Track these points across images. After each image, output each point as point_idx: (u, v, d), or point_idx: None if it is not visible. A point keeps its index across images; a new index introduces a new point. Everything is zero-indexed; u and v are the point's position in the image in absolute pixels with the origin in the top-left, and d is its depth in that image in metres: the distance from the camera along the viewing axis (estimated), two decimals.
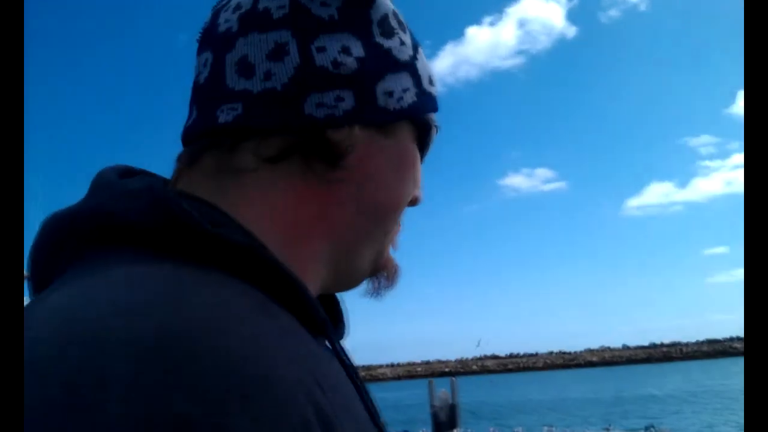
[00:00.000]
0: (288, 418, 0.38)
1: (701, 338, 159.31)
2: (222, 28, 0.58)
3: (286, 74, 0.54)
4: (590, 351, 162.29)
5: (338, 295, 0.66)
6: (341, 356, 0.53)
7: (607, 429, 15.25)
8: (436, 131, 0.66)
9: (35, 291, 0.53)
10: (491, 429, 16.90)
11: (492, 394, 63.98)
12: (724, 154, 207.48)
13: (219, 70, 0.57)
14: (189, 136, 0.60)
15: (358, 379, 0.55)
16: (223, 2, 0.61)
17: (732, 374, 70.88)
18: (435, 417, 19.44)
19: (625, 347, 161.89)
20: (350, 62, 0.55)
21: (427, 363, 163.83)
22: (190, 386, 0.36)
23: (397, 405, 52.11)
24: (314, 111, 0.54)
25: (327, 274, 0.59)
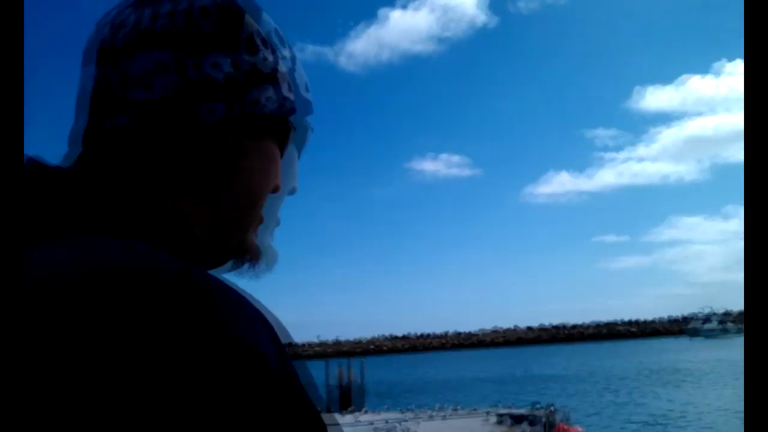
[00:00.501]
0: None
1: (591, 321, 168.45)
2: (108, 43, 0.67)
3: (167, 88, 0.64)
4: (485, 331, 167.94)
5: None
6: None
7: (496, 406, 15.25)
8: (306, 131, 0.79)
9: None
10: (386, 407, 16.56)
11: (389, 373, 64.60)
12: (618, 147, 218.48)
13: (108, 81, 0.65)
14: (77, 139, 0.67)
15: None
16: (107, 19, 0.69)
17: (618, 356, 74.95)
18: (330, 396, 18.96)
19: (519, 328, 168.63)
20: (221, 77, 0.66)
21: (324, 343, 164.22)
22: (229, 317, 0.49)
23: None
24: (193, 119, 0.64)
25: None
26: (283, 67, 0.72)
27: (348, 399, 18.57)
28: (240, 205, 0.69)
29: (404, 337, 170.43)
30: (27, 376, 0.42)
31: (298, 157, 0.81)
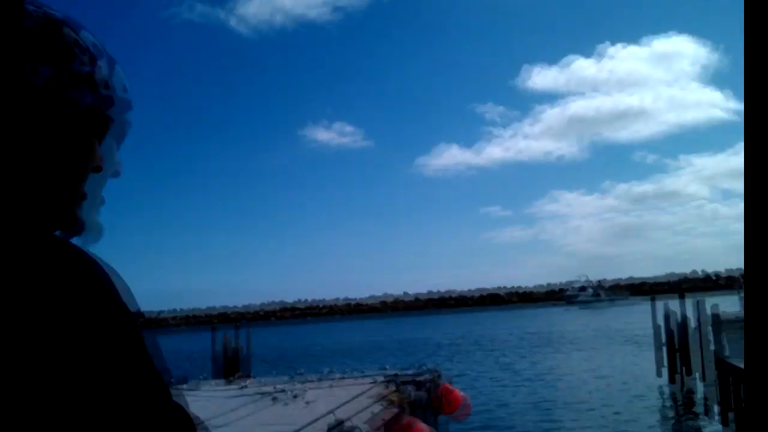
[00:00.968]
0: None
1: (476, 288, 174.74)
2: None
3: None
4: (375, 298, 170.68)
5: None
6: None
7: (385, 368, 15.55)
8: (124, 125, 0.95)
9: None
10: (275, 374, 16.48)
11: (279, 341, 64.45)
12: (506, 123, 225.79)
13: None
14: None
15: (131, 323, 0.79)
16: None
17: (499, 321, 78.32)
18: (217, 363, 18.64)
19: (408, 296, 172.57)
20: (43, 81, 0.80)
21: (213, 310, 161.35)
22: None
23: (179, 351, 50.49)
24: (23, 118, 0.77)
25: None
26: (100, 73, 0.88)
27: (233, 367, 18.31)
28: (63, 184, 0.84)
29: (295, 305, 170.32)
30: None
31: (117, 147, 0.97)
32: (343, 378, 15.52)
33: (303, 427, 9.26)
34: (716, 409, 13.74)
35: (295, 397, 12.45)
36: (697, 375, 17.13)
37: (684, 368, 17.81)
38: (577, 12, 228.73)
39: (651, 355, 21.61)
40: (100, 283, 0.75)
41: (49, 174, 0.83)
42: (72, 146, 0.85)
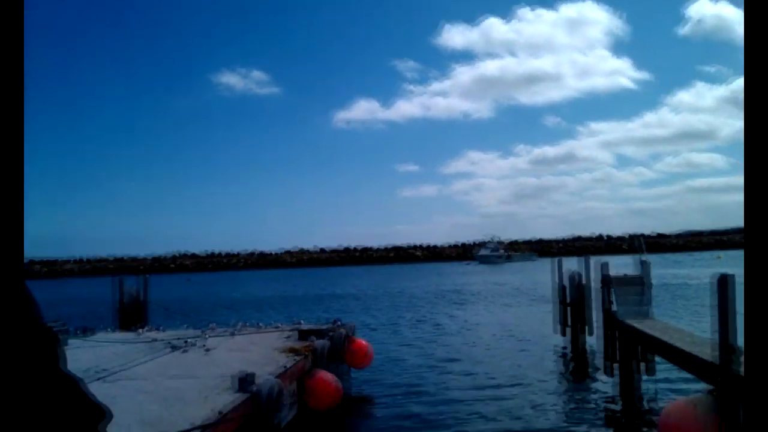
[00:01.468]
0: None
1: (387, 244, 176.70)
2: None
3: None
4: (288, 252, 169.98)
5: None
6: None
7: (300, 323, 15.69)
8: None
9: None
10: (185, 325, 16.33)
11: (188, 291, 63.47)
12: (424, 80, 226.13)
13: None
14: None
15: None
16: None
17: (410, 276, 79.85)
18: (120, 312, 18.25)
19: (322, 250, 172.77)
20: None
21: (120, 260, 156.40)
22: None
23: (80, 301, 48.90)
24: None
25: None
26: None
27: (137, 317, 18.00)
28: None
29: (205, 256, 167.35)
30: None
31: None
32: (251, 330, 15.62)
33: (207, 378, 9.33)
34: (602, 361, 14.76)
35: (205, 349, 12.44)
36: (593, 331, 18.25)
37: (579, 325, 18.91)
38: None
39: (551, 311, 22.76)
40: None
41: None
42: None
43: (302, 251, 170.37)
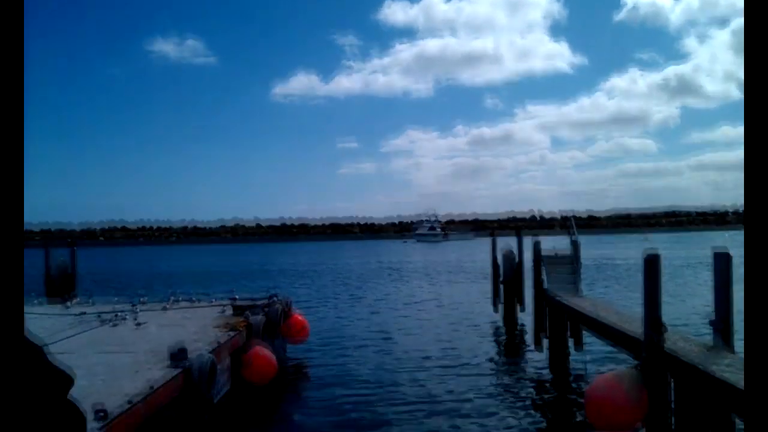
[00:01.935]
0: None
1: (326, 217, 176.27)
2: None
3: None
4: (224, 226, 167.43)
5: None
6: None
7: (235, 298, 15.47)
8: None
9: None
10: (116, 299, 15.89)
11: (119, 263, 61.81)
12: (364, 56, 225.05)
13: None
14: None
15: None
16: None
17: (348, 251, 79.92)
18: (49, 286, 17.62)
19: (258, 225, 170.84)
20: None
21: (47, 231, 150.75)
22: None
23: None
24: None
25: None
26: None
27: (62, 289, 17.39)
28: None
29: (137, 228, 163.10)
30: None
31: None
32: (184, 304, 15.32)
33: (138, 352, 9.10)
34: (532, 335, 15.17)
35: (136, 323, 12.14)
36: (526, 306, 18.71)
37: (513, 301, 19.34)
38: None
39: (487, 287, 23.18)
40: None
41: None
42: None
43: (239, 225, 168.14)
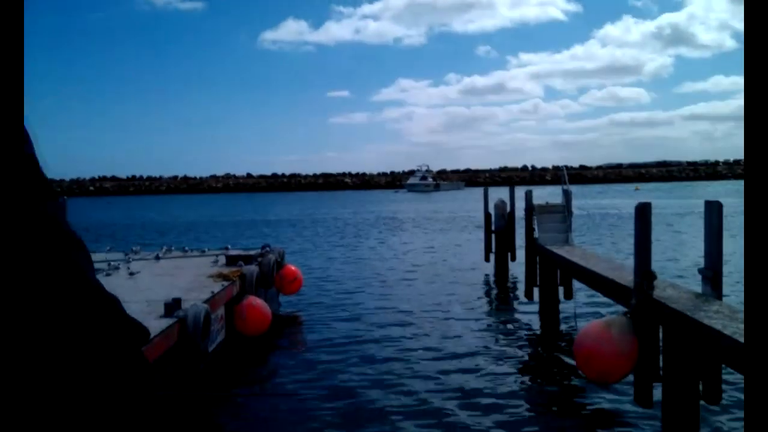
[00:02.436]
0: None
1: (317, 171, 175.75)
2: None
3: None
4: (215, 177, 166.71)
5: None
6: None
7: (227, 248, 15.51)
8: None
9: None
10: (108, 248, 15.86)
11: (111, 215, 61.67)
12: (356, 2, 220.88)
13: None
14: None
15: None
16: None
17: (341, 205, 79.94)
18: None
19: (249, 175, 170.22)
20: None
21: None
22: None
23: None
24: None
25: None
26: None
27: None
28: None
29: (130, 181, 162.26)
30: None
31: None
32: (177, 254, 15.34)
33: (131, 302, 9.13)
34: (523, 285, 15.33)
35: (129, 273, 12.15)
36: (517, 258, 18.84)
37: (504, 251, 19.47)
38: None
39: (477, 237, 23.29)
40: None
41: None
42: None
43: (229, 176, 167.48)
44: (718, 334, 6.02)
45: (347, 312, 14.83)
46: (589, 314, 13.13)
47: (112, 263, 12.95)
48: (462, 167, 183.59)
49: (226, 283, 10.98)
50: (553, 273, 13.41)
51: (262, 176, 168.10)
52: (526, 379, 10.07)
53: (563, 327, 12.94)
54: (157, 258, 14.56)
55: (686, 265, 18.60)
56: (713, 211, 7.36)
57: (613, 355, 7.57)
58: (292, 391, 9.59)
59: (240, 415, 8.78)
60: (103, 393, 0.58)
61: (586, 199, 60.90)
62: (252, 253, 14.16)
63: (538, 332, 12.84)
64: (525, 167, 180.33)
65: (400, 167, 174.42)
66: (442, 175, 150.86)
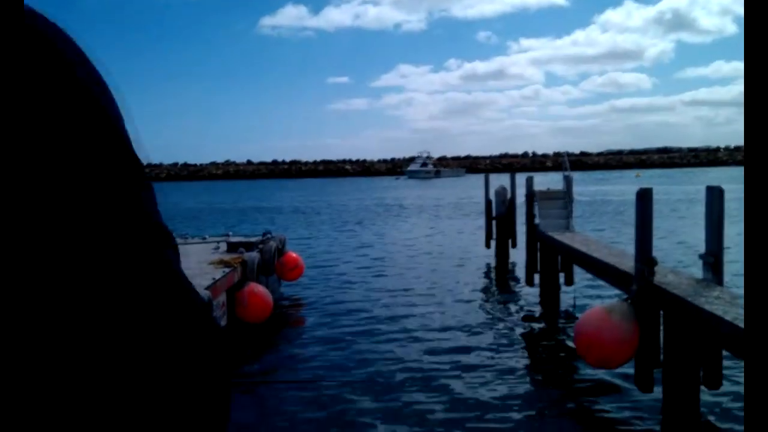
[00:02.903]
0: None
1: (318, 158, 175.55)
2: None
3: None
4: (215, 164, 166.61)
5: None
6: None
7: (228, 235, 15.50)
8: None
9: None
10: None
11: None
12: None
13: None
14: None
15: None
16: None
17: (342, 192, 79.93)
18: None
19: (250, 162, 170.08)
20: None
21: None
22: None
23: None
24: None
25: None
26: None
27: None
28: None
29: None
30: None
31: None
32: (177, 240, 15.31)
33: None
34: (524, 271, 15.35)
35: None
36: (517, 244, 18.86)
37: (505, 238, 19.48)
38: None
39: (478, 223, 23.28)
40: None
41: None
42: None
43: (229, 162, 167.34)
44: (718, 319, 6.03)
45: (348, 299, 14.87)
46: (589, 300, 13.14)
47: None
48: (463, 154, 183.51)
49: (227, 270, 11.00)
50: (554, 259, 13.42)
51: (262, 163, 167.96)
52: (526, 364, 10.11)
53: (564, 313, 12.97)
54: None
55: (687, 251, 18.60)
56: (714, 197, 7.36)
57: (614, 341, 7.59)
58: (293, 377, 9.63)
59: (241, 401, 8.82)
60: (183, 399, 0.52)
61: (587, 186, 60.82)
62: (253, 239, 14.16)
63: (539, 318, 12.87)
64: (526, 154, 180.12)
65: (400, 154, 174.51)
66: (442, 161, 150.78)
